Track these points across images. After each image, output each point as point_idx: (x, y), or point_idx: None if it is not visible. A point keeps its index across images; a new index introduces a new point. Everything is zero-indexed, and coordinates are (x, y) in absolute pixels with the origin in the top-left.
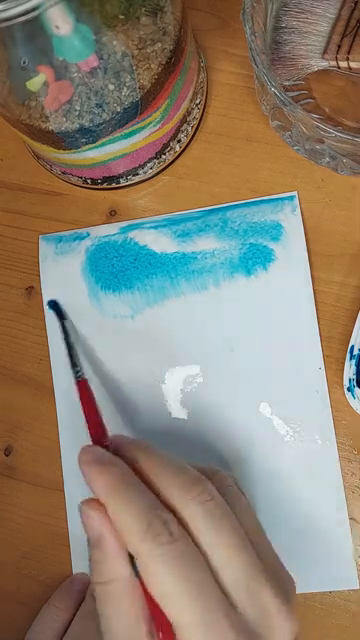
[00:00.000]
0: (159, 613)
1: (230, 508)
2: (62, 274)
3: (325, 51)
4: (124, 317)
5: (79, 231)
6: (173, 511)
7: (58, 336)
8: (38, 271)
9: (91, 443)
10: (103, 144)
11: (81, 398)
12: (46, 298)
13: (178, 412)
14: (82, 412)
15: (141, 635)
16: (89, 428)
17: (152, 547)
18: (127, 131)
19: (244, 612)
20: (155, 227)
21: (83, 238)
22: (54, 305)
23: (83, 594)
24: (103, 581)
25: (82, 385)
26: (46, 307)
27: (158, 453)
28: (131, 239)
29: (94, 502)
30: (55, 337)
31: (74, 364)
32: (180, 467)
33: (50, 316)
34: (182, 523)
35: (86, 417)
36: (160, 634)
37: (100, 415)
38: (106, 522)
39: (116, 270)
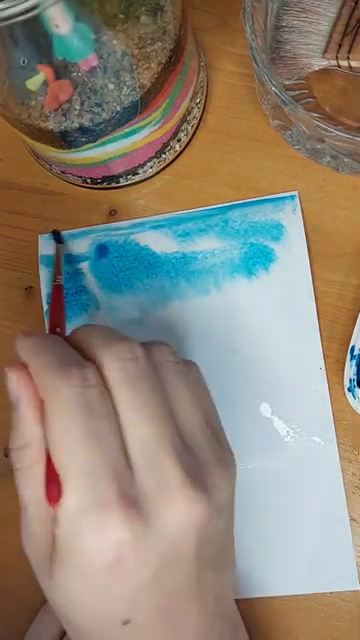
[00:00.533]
0: (52, 467)
1: (161, 376)
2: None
3: (326, 50)
4: (124, 317)
5: (79, 231)
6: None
7: None
8: (37, 271)
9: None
10: (103, 143)
11: (53, 295)
12: (45, 298)
13: None
14: (49, 307)
15: (43, 498)
16: (50, 316)
17: (60, 386)
18: (127, 130)
19: (138, 478)
20: (155, 227)
21: (83, 238)
22: (55, 232)
23: None
24: (17, 446)
25: (56, 289)
26: (48, 236)
27: (100, 326)
28: (131, 239)
29: (16, 365)
30: None
31: (56, 272)
32: (113, 332)
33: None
34: (102, 378)
35: (51, 308)
36: (48, 494)
37: (63, 314)
38: (24, 383)
39: (116, 270)
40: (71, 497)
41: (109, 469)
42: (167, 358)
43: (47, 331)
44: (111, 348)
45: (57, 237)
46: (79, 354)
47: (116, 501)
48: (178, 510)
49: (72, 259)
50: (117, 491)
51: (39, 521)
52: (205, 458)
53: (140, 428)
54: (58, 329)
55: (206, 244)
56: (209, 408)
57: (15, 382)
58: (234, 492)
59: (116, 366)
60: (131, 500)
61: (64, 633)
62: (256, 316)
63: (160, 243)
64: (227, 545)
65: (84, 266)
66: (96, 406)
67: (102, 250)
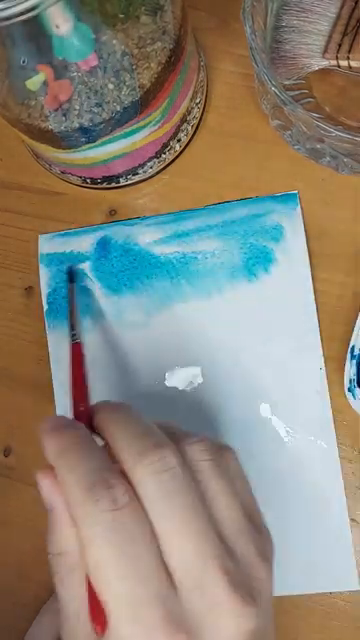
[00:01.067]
0: (94, 595)
1: (198, 484)
2: (61, 273)
3: (325, 50)
4: (123, 317)
5: (78, 231)
6: (126, 477)
7: (57, 336)
8: (37, 271)
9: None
10: (103, 143)
11: (72, 360)
12: (45, 298)
13: (178, 412)
14: (70, 374)
15: (87, 615)
16: (73, 387)
17: (90, 512)
18: (127, 130)
19: (184, 598)
20: (155, 227)
21: (83, 238)
22: (71, 270)
23: None
24: (54, 553)
25: (76, 348)
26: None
27: (124, 414)
28: (131, 239)
29: (47, 470)
30: (54, 337)
31: (72, 327)
32: (144, 430)
33: (50, 316)
34: (134, 491)
35: (72, 379)
36: (95, 623)
37: (86, 380)
38: (56, 490)
39: (116, 270)
40: (117, 625)
41: (152, 595)
42: (202, 457)
43: (71, 408)
44: (143, 461)
45: (70, 275)
46: (106, 456)
47: (163, 627)
48: (228, 628)
49: (72, 258)
50: (163, 617)
51: (80, 632)
52: (249, 561)
53: (181, 546)
54: (82, 407)
55: (206, 244)
56: (248, 497)
57: (48, 489)
58: (273, 578)
59: (150, 481)
60: (179, 624)
61: None
62: (256, 316)
63: (160, 243)
64: (270, 634)
65: (84, 266)
66: (130, 529)
67: (102, 250)
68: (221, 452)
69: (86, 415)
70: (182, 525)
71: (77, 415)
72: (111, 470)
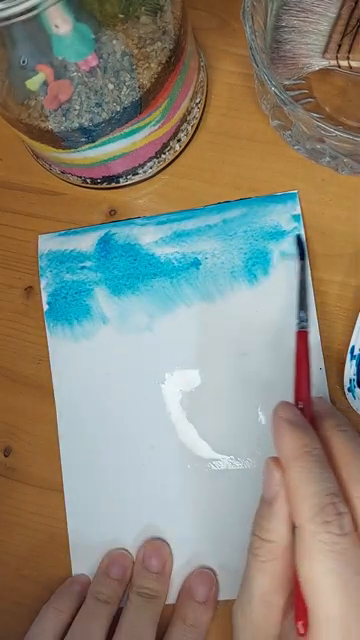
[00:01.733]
0: (301, 596)
1: None
2: (61, 273)
3: (325, 50)
4: (123, 318)
5: (78, 230)
6: (349, 504)
7: (58, 336)
8: (37, 271)
9: (292, 398)
10: (103, 143)
11: (298, 349)
12: (45, 298)
13: (177, 414)
14: (295, 363)
15: (276, 605)
16: (297, 382)
17: (318, 531)
18: (127, 130)
19: None
20: (155, 227)
21: (83, 237)
22: (299, 240)
23: (83, 596)
24: (262, 538)
25: (302, 336)
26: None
27: (349, 430)
28: (131, 239)
29: (280, 462)
30: (54, 337)
31: (301, 309)
32: None
33: (50, 316)
34: (355, 518)
35: (297, 370)
36: (300, 622)
37: (310, 373)
38: (284, 484)
39: (116, 270)
40: (325, 635)
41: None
42: None
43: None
44: None
45: (301, 247)
46: (334, 479)
47: None
48: None
49: (72, 258)
50: None
51: (269, 616)
52: None
53: None
54: (306, 400)
55: (206, 244)
56: None
57: (277, 480)
58: None
59: None
60: None
61: (65, 632)
62: (256, 317)
63: (160, 243)
64: None
65: (84, 265)
66: (350, 555)
67: (102, 250)
68: None
69: (307, 416)
70: None
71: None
72: (340, 496)
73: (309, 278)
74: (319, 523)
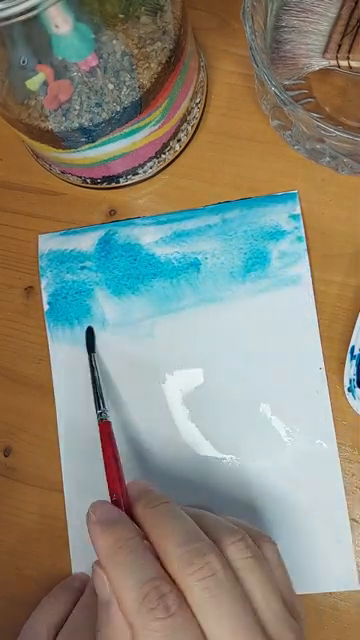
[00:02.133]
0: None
1: (240, 581)
2: (61, 273)
3: (325, 50)
4: (123, 318)
5: (78, 230)
6: (173, 579)
7: (58, 336)
8: (37, 271)
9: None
10: (103, 143)
11: (102, 440)
12: (46, 298)
13: (179, 412)
14: (102, 454)
15: None
16: (107, 473)
17: (146, 621)
18: (127, 130)
19: None
20: (155, 227)
21: (83, 237)
22: (89, 333)
23: (82, 591)
24: None
25: (105, 427)
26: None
27: (165, 510)
28: (131, 239)
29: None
30: (55, 337)
31: (99, 404)
32: (186, 532)
33: (50, 316)
34: (180, 589)
35: (105, 461)
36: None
37: (119, 461)
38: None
39: (116, 270)
40: None
41: None
42: (242, 555)
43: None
44: (189, 569)
45: (89, 341)
46: (155, 561)
47: None
48: None
49: (73, 258)
50: None
51: None
52: None
53: None
54: (119, 492)
55: (206, 244)
56: (287, 585)
57: (105, 585)
58: None
59: (197, 587)
60: None
61: (64, 621)
62: (255, 316)
63: (160, 243)
64: None
65: (85, 265)
66: (182, 635)
67: (102, 250)
68: (260, 544)
69: (124, 503)
70: (230, 627)
71: (115, 502)
72: (161, 577)
73: (321, 360)
74: (145, 613)
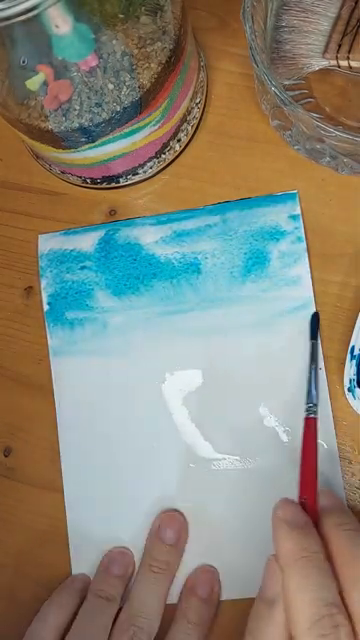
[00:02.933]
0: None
1: None
2: (61, 273)
3: (325, 50)
4: (123, 317)
5: (78, 230)
6: (348, 610)
7: (58, 336)
8: (37, 271)
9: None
10: (103, 143)
11: (306, 436)
12: (45, 298)
13: (178, 412)
14: (302, 451)
15: None
16: (302, 473)
17: None
18: (127, 130)
19: None
20: (155, 227)
21: (83, 237)
22: (315, 319)
23: (84, 593)
24: None
25: (311, 423)
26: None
27: (351, 531)
28: (131, 239)
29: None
30: (55, 337)
31: (311, 396)
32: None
33: (50, 316)
34: (354, 625)
35: (304, 459)
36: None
37: (317, 464)
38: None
39: (116, 270)
40: None
41: None
42: None
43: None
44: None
45: (315, 325)
46: (335, 586)
47: None
48: None
49: (73, 258)
50: None
51: None
52: None
53: None
54: (303, 498)
55: (206, 244)
56: None
57: (279, 581)
58: None
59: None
60: None
61: (66, 632)
62: (255, 317)
63: (160, 243)
64: None
65: (85, 265)
66: None
67: (102, 250)
68: None
69: (310, 509)
70: None
71: (302, 505)
72: (338, 605)
73: (321, 360)
74: (315, 636)
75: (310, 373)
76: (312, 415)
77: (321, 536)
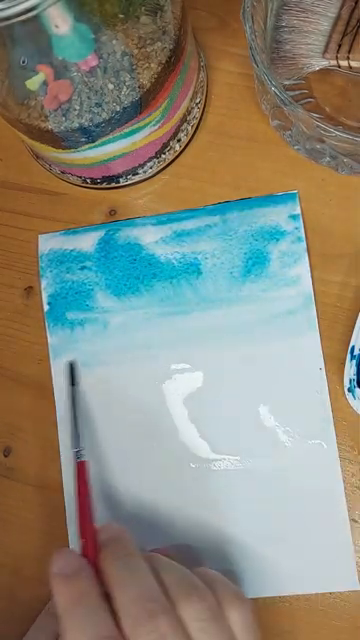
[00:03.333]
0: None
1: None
2: (61, 273)
3: (325, 50)
4: (123, 318)
5: (78, 230)
6: (124, 635)
7: (58, 336)
8: (37, 271)
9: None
10: (103, 143)
11: (78, 480)
12: (46, 298)
13: (178, 413)
14: (75, 493)
15: None
16: (78, 515)
17: None
18: (127, 130)
19: None
20: (155, 227)
21: (83, 237)
22: (72, 367)
23: None
24: None
25: (81, 467)
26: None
27: (131, 565)
28: (131, 239)
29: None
30: (55, 337)
31: (77, 441)
32: (144, 591)
33: (50, 316)
34: None
35: (78, 503)
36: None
37: (91, 502)
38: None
39: (116, 270)
40: None
41: None
42: (200, 617)
43: (77, 531)
44: (140, 628)
45: (72, 374)
46: (111, 618)
47: None
48: None
49: (73, 258)
50: None
51: None
52: None
53: None
54: (82, 539)
55: (206, 244)
56: None
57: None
58: None
59: None
60: None
61: None
62: (255, 317)
63: (160, 243)
64: None
65: (85, 265)
66: None
67: (102, 250)
68: (227, 606)
69: (90, 549)
70: None
71: (83, 546)
72: (114, 636)
73: (321, 360)
74: None
75: (74, 418)
76: (81, 459)
77: (101, 571)
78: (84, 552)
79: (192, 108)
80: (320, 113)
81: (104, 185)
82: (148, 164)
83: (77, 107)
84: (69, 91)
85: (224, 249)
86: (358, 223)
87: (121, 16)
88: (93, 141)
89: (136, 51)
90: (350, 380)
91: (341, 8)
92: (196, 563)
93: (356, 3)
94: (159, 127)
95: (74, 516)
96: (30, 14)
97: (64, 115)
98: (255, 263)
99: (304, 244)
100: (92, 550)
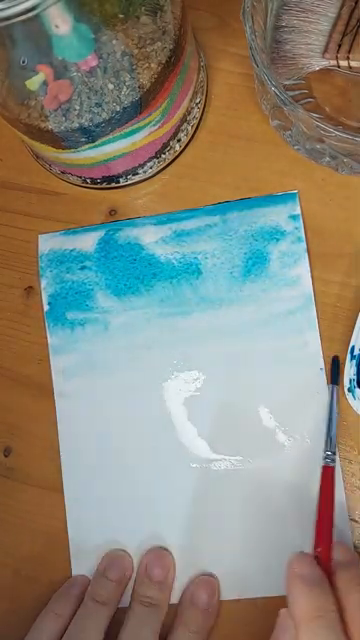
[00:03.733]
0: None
1: None
2: (61, 273)
3: (325, 50)
4: (123, 318)
5: (78, 230)
6: None
7: (58, 336)
8: (37, 271)
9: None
10: (103, 143)
11: (323, 486)
12: (46, 298)
13: (178, 413)
14: (318, 500)
15: None
16: (318, 523)
17: None
18: (127, 130)
19: None
20: (155, 227)
21: (83, 237)
22: (336, 364)
23: (82, 598)
24: None
25: (329, 472)
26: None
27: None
28: (131, 239)
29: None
30: (55, 337)
31: (331, 444)
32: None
33: (50, 316)
34: None
35: (321, 509)
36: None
37: (333, 515)
38: None
39: (116, 270)
40: None
41: None
42: None
43: (312, 542)
44: None
45: (336, 370)
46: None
47: None
48: None
49: (73, 258)
50: None
51: None
52: None
53: None
54: (318, 550)
55: (206, 244)
56: None
57: (292, 637)
58: None
59: None
60: None
61: (62, 632)
62: (255, 317)
63: (160, 243)
64: None
65: (85, 265)
66: None
67: (102, 250)
68: None
69: (324, 562)
70: None
71: (316, 554)
72: None
73: (321, 360)
74: None
75: (330, 420)
76: (330, 464)
77: (335, 589)
78: (318, 560)
79: (192, 108)
80: (320, 113)
81: (104, 185)
82: (148, 164)
83: (77, 107)
84: (69, 91)
85: (224, 249)
86: (358, 223)
87: (121, 16)
88: (93, 141)
89: (136, 51)
90: (350, 380)
91: (341, 8)
92: (196, 563)
93: (356, 3)
94: (159, 127)
95: (74, 516)
96: (30, 14)
97: (64, 115)
98: (255, 263)
99: (304, 244)
100: (327, 563)
